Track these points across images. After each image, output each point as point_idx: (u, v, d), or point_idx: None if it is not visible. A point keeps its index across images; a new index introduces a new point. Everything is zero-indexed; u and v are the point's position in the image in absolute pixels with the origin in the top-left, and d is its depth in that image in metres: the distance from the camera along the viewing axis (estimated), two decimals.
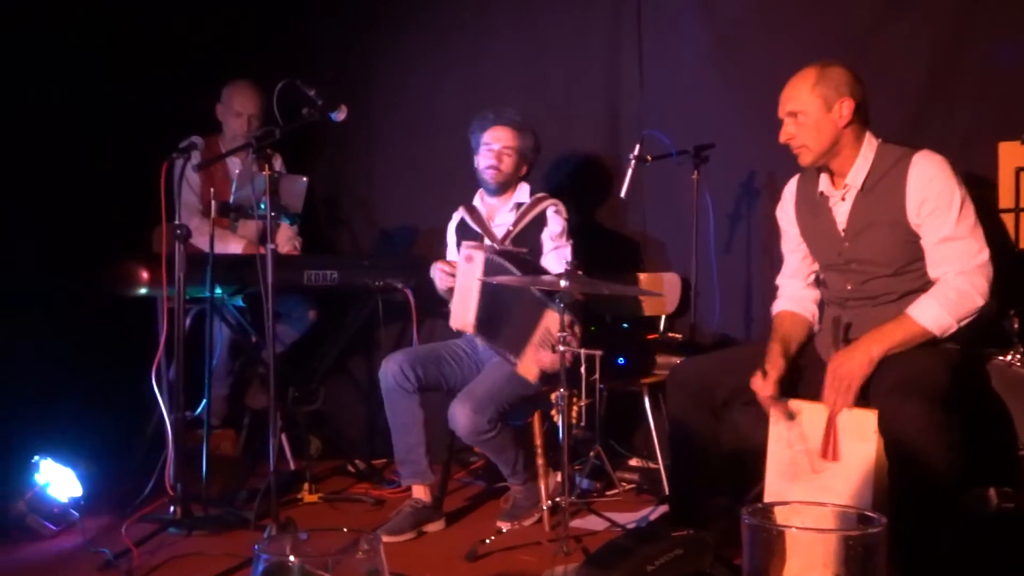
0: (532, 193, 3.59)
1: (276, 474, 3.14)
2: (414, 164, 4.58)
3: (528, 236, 3.51)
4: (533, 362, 3.22)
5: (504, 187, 3.56)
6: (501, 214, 3.60)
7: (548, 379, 3.21)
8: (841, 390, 2.56)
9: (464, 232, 3.61)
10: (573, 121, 4.31)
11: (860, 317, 2.75)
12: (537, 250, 3.48)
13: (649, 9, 4.15)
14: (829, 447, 2.57)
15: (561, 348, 2.90)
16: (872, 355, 2.57)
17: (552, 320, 3.16)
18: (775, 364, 2.72)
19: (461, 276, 3.33)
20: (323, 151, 4.71)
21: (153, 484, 3.36)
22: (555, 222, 3.50)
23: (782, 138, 2.76)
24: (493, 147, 3.51)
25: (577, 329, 3.32)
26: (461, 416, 3.17)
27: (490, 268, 3.24)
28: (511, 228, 3.54)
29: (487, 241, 3.51)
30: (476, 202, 3.66)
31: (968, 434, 2.52)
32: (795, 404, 2.71)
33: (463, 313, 3.31)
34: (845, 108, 2.68)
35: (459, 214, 3.69)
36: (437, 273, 3.48)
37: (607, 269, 3.85)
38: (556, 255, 3.45)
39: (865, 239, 2.73)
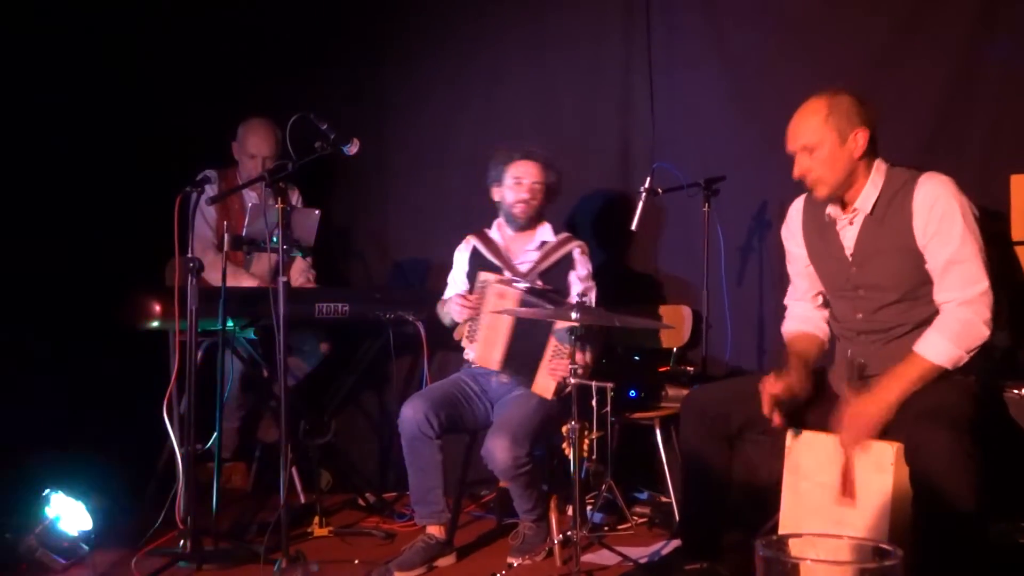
0: (555, 232, 3.62)
1: (286, 507, 3.12)
2: (428, 197, 4.61)
3: (554, 275, 3.53)
4: (548, 376, 3.25)
5: (531, 222, 3.59)
6: (523, 250, 3.60)
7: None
8: (861, 436, 2.53)
9: (480, 262, 3.60)
10: (585, 155, 4.32)
11: (874, 355, 2.72)
12: (564, 290, 3.50)
13: (660, 43, 4.17)
14: (846, 488, 2.55)
15: (573, 381, 2.89)
16: (890, 401, 2.54)
17: (561, 336, 3.18)
18: (790, 374, 2.71)
19: (491, 319, 3.33)
20: (339, 184, 4.74)
21: (163, 518, 3.35)
22: (583, 264, 3.56)
23: (796, 173, 2.72)
24: (524, 181, 3.53)
25: (589, 356, 3.32)
26: (500, 450, 3.12)
27: (524, 307, 3.27)
28: (535, 264, 3.54)
29: (506, 274, 3.51)
30: (494, 234, 3.66)
31: (988, 466, 2.50)
32: (812, 436, 2.68)
33: (489, 352, 3.33)
34: (860, 138, 2.65)
35: (471, 242, 3.67)
36: (455, 307, 3.44)
37: (618, 301, 3.84)
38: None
39: (873, 264, 2.71)
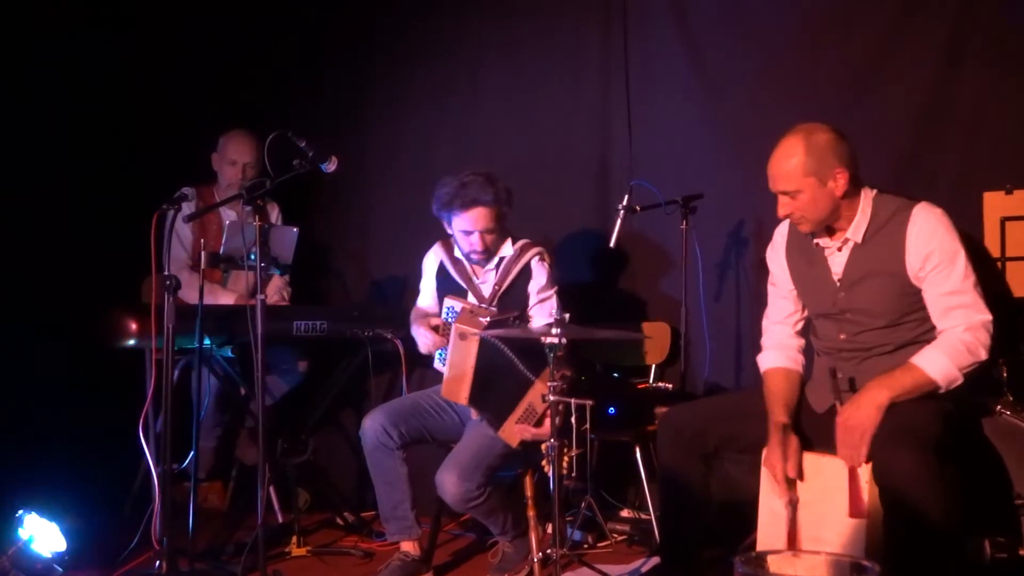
0: (514, 240, 3.51)
1: (264, 527, 3.09)
2: (407, 215, 4.60)
3: (515, 293, 3.46)
4: (516, 432, 3.19)
5: (491, 257, 3.49)
6: (484, 268, 3.53)
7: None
8: (855, 443, 2.52)
9: (446, 282, 3.53)
10: (563, 173, 4.34)
11: (854, 370, 2.74)
12: (523, 303, 3.45)
13: (637, 62, 4.20)
14: (856, 503, 2.51)
15: (552, 398, 2.88)
16: (880, 402, 2.53)
17: (536, 396, 3.13)
18: (793, 446, 2.63)
19: (454, 352, 3.25)
20: (319, 201, 4.73)
21: (139, 538, 3.32)
22: (540, 273, 3.45)
23: (781, 213, 2.73)
24: (473, 231, 3.36)
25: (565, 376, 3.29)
26: (449, 485, 3.12)
27: (484, 349, 3.17)
28: (497, 287, 3.46)
29: (471, 298, 3.45)
30: (459, 253, 3.54)
31: (963, 484, 2.51)
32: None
33: (457, 388, 3.25)
34: (840, 179, 2.64)
35: (439, 255, 3.57)
36: (420, 337, 3.44)
37: (596, 319, 3.85)
38: (541, 308, 3.42)
39: (861, 290, 2.72)
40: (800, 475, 2.62)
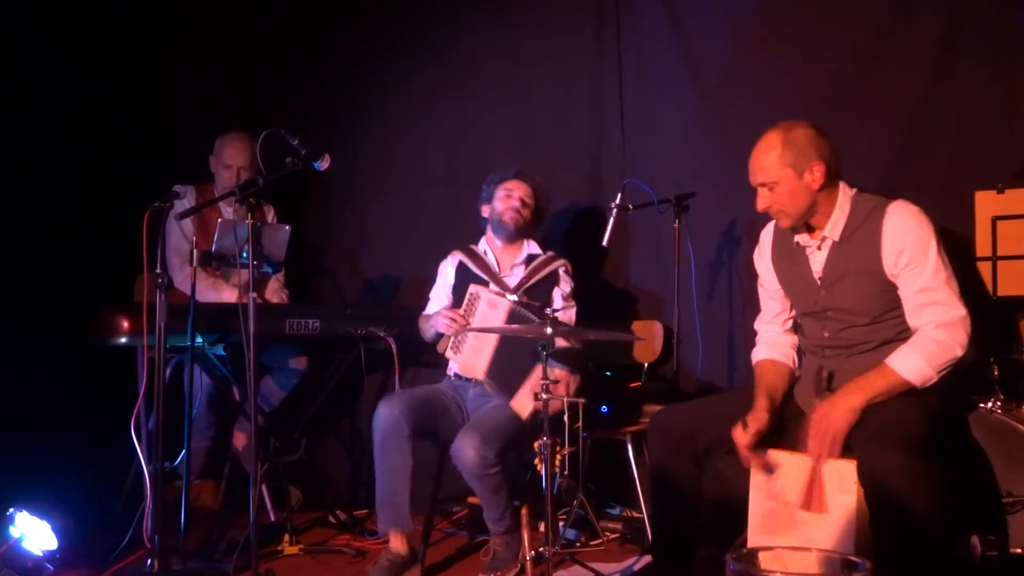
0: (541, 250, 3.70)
1: (256, 526, 3.09)
2: (399, 214, 4.61)
3: (540, 291, 3.57)
4: (529, 399, 3.24)
5: (520, 234, 3.66)
6: (511, 263, 3.66)
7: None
8: (826, 442, 2.55)
9: (468, 276, 3.63)
10: (557, 172, 4.32)
11: (838, 367, 2.76)
12: (546, 302, 3.52)
13: (630, 60, 4.21)
14: (813, 499, 2.56)
15: (544, 396, 2.89)
16: (854, 404, 2.57)
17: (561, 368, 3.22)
18: (758, 419, 2.70)
19: (480, 323, 3.40)
20: (312, 201, 4.73)
21: (130, 536, 3.31)
22: (566, 282, 3.61)
23: (759, 206, 2.76)
24: (514, 194, 3.63)
25: (574, 382, 3.39)
26: (469, 448, 3.11)
27: (513, 318, 3.35)
28: (523, 280, 3.59)
29: (492, 286, 3.55)
30: (483, 247, 3.71)
31: (951, 482, 2.52)
32: (776, 455, 2.70)
33: (475, 360, 3.38)
34: (817, 171, 2.67)
35: (457, 256, 3.71)
36: (443, 320, 3.46)
37: (590, 317, 3.85)
38: (565, 314, 3.52)
39: (841, 288, 2.75)
40: (752, 444, 2.68)
